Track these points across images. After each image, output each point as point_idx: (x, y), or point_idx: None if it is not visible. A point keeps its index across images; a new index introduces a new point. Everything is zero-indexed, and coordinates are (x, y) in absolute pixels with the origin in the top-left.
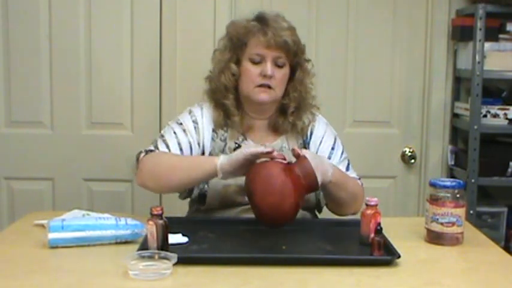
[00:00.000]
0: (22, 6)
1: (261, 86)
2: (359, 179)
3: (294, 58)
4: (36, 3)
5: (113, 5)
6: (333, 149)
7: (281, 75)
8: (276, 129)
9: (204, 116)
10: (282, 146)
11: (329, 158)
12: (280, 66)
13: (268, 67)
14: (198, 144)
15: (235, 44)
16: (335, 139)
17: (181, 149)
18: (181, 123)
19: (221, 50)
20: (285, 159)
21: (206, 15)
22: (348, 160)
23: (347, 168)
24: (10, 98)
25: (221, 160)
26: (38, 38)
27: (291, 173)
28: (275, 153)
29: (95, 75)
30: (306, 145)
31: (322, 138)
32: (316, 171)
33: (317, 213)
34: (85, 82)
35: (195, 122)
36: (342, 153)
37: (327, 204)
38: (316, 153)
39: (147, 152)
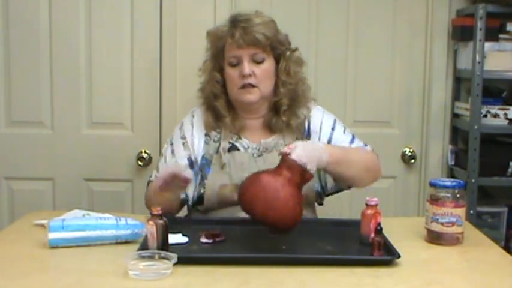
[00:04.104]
0: (22, 6)
1: (244, 86)
2: (366, 145)
3: (273, 51)
4: (36, 3)
5: (113, 5)
6: (332, 129)
7: (261, 70)
8: (270, 128)
9: (194, 125)
10: (278, 142)
11: (330, 139)
12: (259, 62)
13: (245, 66)
14: (189, 158)
15: (214, 53)
16: (334, 120)
17: None
18: (172, 143)
19: (207, 60)
20: None
21: (206, 15)
22: (353, 136)
23: (351, 141)
24: (10, 98)
25: None
26: (38, 38)
27: (280, 176)
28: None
29: (95, 75)
30: (308, 136)
31: (321, 123)
32: (308, 160)
33: (317, 208)
34: (85, 82)
35: (183, 137)
36: (343, 133)
37: (337, 182)
38: (319, 140)
39: (148, 183)
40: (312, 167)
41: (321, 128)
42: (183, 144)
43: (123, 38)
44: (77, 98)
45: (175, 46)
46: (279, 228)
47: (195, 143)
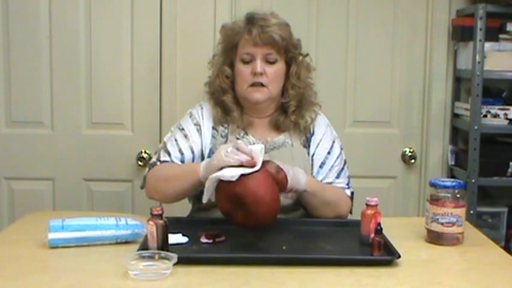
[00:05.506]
0: (22, 6)
1: (253, 85)
2: (348, 188)
3: (286, 53)
4: (36, 3)
5: (113, 5)
6: (329, 153)
7: (273, 71)
8: (277, 127)
9: (204, 116)
10: (285, 141)
11: (323, 162)
12: (271, 63)
13: (258, 64)
14: (202, 145)
15: (227, 47)
16: (333, 142)
17: (182, 154)
18: (182, 129)
19: (218, 54)
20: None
21: (206, 15)
22: (343, 166)
23: (338, 175)
24: (10, 98)
25: (202, 167)
26: (38, 38)
27: (268, 172)
28: (246, 161)
29: (95, 76)
30: (309, 142)
31: (320, 141)
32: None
33: None
34: (85, 82)
35: (197, 124)
36: (336, 159)
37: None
38: (313, 155)
39: (151, 166)
40: (289, 179)
41: (318, 145)
42: (198, 130)
43: (123, 38)
44: (77, 98)
45: (175, 46)
46: (261, 222)
47: (206, 133)
